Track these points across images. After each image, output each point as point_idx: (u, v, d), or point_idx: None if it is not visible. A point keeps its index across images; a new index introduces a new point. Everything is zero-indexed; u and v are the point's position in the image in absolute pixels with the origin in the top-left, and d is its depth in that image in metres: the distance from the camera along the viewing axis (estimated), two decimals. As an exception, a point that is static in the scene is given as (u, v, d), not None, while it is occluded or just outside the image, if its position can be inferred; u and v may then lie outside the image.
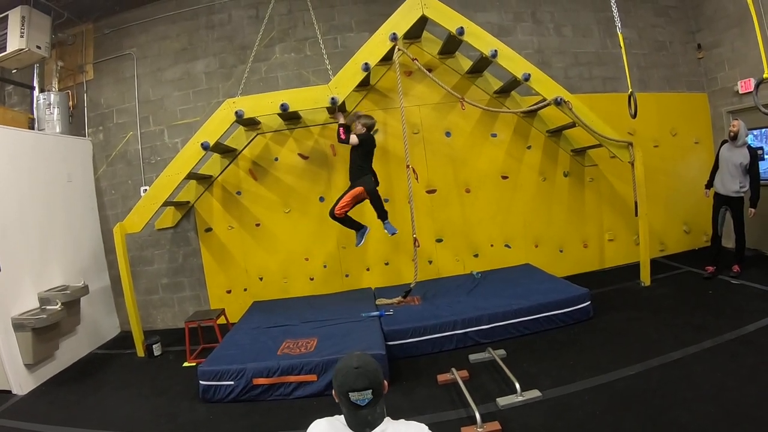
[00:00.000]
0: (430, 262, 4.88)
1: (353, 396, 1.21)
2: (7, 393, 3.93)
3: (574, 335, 3.53)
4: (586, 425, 2.38)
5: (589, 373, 2.89)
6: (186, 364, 4.09)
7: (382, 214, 4.18)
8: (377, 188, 4.15)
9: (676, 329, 3.36)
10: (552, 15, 5.51)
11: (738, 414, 2.28)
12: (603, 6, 5.55)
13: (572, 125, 4.62)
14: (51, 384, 4.15)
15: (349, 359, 1.28)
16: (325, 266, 4.81)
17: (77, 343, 4.70)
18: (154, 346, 4.45)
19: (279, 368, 3.14)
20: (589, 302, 3.83)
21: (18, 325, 3.99)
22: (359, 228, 4.24)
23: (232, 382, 3.18)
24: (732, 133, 4.21)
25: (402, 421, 1.30)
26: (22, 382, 3.97)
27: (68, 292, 4.41)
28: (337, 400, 1.28)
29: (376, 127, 4.45)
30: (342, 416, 1.29)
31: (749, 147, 4.22)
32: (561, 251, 5.16)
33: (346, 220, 4.20)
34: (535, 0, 5.45)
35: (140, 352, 4.47)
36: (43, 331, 4.06)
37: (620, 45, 4.18)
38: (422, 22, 4.50)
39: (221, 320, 4.38)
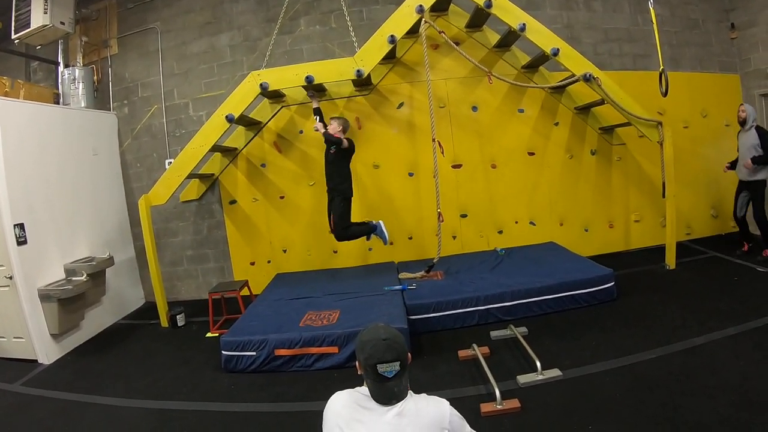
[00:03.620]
0: (454, 237, 4.82)
1: (381, 368, 1.19)
2: (33, 362, 4.03)
3: (597, 316, 3.47)
4: (606, 407, 2.33)
5: (610, 354, 2.84)
6: (209, 334, 4.14)
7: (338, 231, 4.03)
8: (351, 197, 4.03)
9: (700, 315, 3.27)
10: (581, -12, 5.37)
11: (760, 403, 2.20)
12: (638, -21, 5.44)
13: (601, 102, 4.51)
14: (76, 353, 4.25)
15: (375, 331, 1.26)
16: (348, 239, 4.78)
17: (102, 314, 4.77)
18: (177, 316, 4.50)
19: (301, 339, 3.16)
20: (612, 283, 3.75)
21: (44, 296, 4.07)
22: (372, 230, 4.07)
23: (254, 353, 3.21)
24: (740, 119, 4.23)
25: (423, 395, 1.28)
26: (48, 352, 4.06)
27: (94, 263, 4.48)
28: (360, 372, 1.25)
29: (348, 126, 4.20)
30: (362, 388, 1.27)
31: (758, 128, 4.19)
32: (586, 230, 5.06)
33: (353, 234, 4.05)
34: (564, -26, 5.31)
35: (164, 323, 4.52)
36: (68, 302, 4.14)
37: (652, 21, 4.05)
38: None
39: (244, 292, 4.42)
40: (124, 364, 3.83)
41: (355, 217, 4.28)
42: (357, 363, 1.26)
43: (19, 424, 3.03)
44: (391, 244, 4.43)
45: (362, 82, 4.57)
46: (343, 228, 3.97)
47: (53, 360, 4.05)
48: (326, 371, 3.08)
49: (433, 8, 4.32)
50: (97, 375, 3.65)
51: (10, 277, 4.00)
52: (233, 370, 3.22)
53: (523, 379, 2.63)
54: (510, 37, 4.60)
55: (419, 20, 4.09)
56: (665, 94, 4.03)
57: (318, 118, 4.05)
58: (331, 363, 3.09)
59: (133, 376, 3.52)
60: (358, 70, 4.11)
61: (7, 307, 4.09)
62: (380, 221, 4.07)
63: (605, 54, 5.28)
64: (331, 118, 4.13)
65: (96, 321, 4.65)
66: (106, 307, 4.82)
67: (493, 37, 4.83)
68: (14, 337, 4.17)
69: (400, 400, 1.21)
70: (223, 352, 3.27)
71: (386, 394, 1.21)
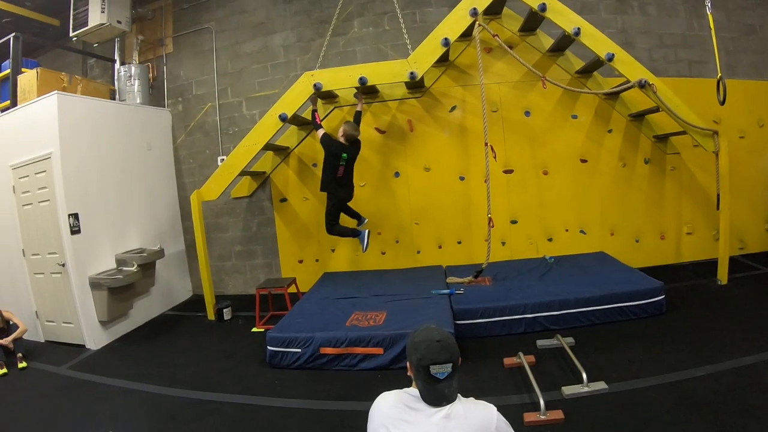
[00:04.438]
0: (503, 243, 4.77)
1: (434, 369, 1.19)
2: (81, 347, 4.19)
3: (645, 329, 3.37)
4: (652, 423, 2.26)
5: (657, 369, 2.76)
6: (255, 329, 4.20)
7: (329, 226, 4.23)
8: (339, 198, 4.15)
9: (750, 333, 3.13)
10: (636, -8, 5.25)
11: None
12: (691, -16, 5.29)
13: (656, 110, 4.38)
14: (123, 341, 4.38)
15: (428, 332, 1.26)
16: (397, 241, 4.79)
17: (150, 304, 4.91)
18: (224, 310, 4.59)
19: (347, 339, 3.17)
20: (663, 296, 3.63)
21: (95, 284, 4.22)
22: (356, 234, 4.21)
23: (299, 350, 3.24)
24: None
25: (471, 399, 1.27)
26: (95, 338, 4.21)
27: (145, 254, 4.61)
28: (410, 373, 1.25)
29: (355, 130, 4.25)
30: (410, 389, 1.26)
31: None
32: (637, 241, 4.93)
33: (339, 232, 4.21)
34: (619, -23, 5.20)
35: (211, 316, 4.61)
36: (118, 291, 4.29)
37: (710, 27, 3.91)
38: None
39: (292, 289, 4.46)
40: (170, 353, 3.91)
41: (412, 217, 4.27)
42: (408, 363, 1.27)
43: (64, 407, 3.13)
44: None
45: (415, 85, 4.57)
46: (329, 224, 4.14)
47: (100, 346, 4.21)
48: (370, 372, 3.09)
49: (487, 11, 4.27)
50: (143, 363, 3.75)
51: (63, 265, 4.17)
52: (278, 365, 3.27)
53: (568, 390, 2.57)
54: (564, 42, 4.53)
55: (473, 23, 4.07)
56: (723, 103, 3.88)
57: (318, 116, 4.12)
58: (376, 364, 3.10)
59: (179, 366, 3.60)
60: (411, 73, 4.11)
61: (58, 293, 4.29)
62: (367, 230, 4.19)
63: (660, 60, 5.15)
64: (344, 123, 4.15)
65: (144, 310, 4.80)
66: (155, 297, 4.96)
67: (547, 41, 4.76)
68: (63, 322, 4.35)
69: (450, 403, 1.21)
70: (268, 347, 3.31)
71: (437, 395, 1.21)
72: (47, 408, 3.14)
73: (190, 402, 2.98)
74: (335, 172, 3.98)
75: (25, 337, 4.09)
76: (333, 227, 4.15)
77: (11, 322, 4.09)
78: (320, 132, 3.97)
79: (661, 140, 4.87)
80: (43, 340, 4.48)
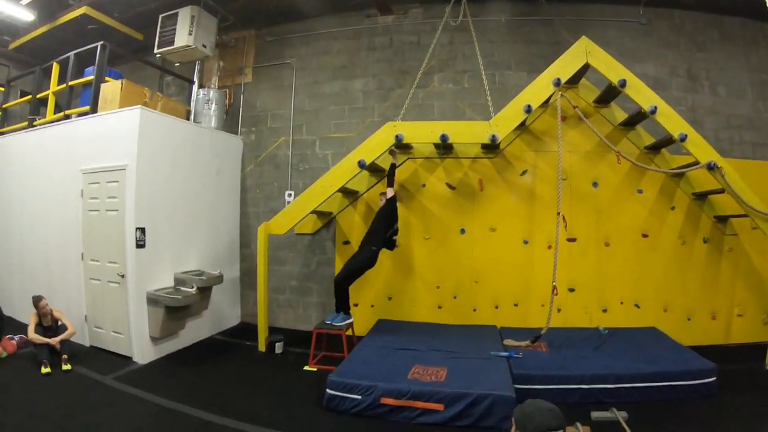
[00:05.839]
0: (559, 310, 4.80)
1: None
2: (128, 359, 4.22)
3: (696, 410, 3.38)
4: None
5: None
6: (306, 367, 4.22)
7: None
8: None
9: None
10: (707, 72, 5.35)
11: None
12: (758, 66, 5.37)
13: (721, 191, 4.45)
14: (170, 359, 4.40)
15: (536, 403, 1.51)
16: (455, 297, 4.86)
17: (200, 326, 4.99)
18: (276, 343, 4.63)
19: (409, 392, 3.20)
20: (714, 378, 3.65)
21: (152, 300, 4.28)
22: (345, 312, 4.32)
23: (359, 397, 3.26)
24: None
25: None
26: (143, 352, 4.25)
27: (204, 278, 4.67)
28: None
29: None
30: None
31: None
32: (689, 319, 4.95)
33: (343, 292, 4.28)
34: (691, 55, 5.31)
35: (261, 347, 4.66)
36: (174, 310, 4.35)
37: None
38: (583, 70, 4.51)
39: (347, 332, 4.52)
40: (219, 380, 3.91)
41: (473, 275, 4.39)
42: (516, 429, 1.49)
43: (110, 420, 3.11)
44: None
45: (489, 145, 4.68)
46: (348, 277, 4.21)
47: (147, 361, 4.24)
48: (427, 427, 3.10)
49: (566, 81, 4.40)
50: (191, 386, 3.75)
51: (122, 276, 4.25)
52: (335, 409, 3.28)
53: None
54: (638, 117, 4.63)
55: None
56: None
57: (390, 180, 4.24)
58: (434, 420, 3.12)
59: (229, 395, 3.60)
60: (492, 135, 4.23)
61: (113, 302, 4.35)
62: (351, 320, 4.37)
63: (726, 140, 5.22)
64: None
65: (193, 331, 4.87)
66: (205, 320, 5.04)
67: (620, 115, 4.86)
68: (113, 331, 4.41)
69: None
70: (327, 390, 3.33)
71: None
72: (92, 420, 3.11)
73: (245, 436, 2.95)
74: (386, 233, 4.16)
75: (71, 339, 4.13)
76: (348, 283, 4.25)
77: (60, 323, 4.17)
78: (392, 191, 4.11)
79: (722, 221, 4.91)
80: (88, 345, 4.54)
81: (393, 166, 4.27)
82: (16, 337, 4.40)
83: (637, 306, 4.91)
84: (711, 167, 4.26)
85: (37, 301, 4.11)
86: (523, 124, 4.75)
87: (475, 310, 4.85)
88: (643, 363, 3.73)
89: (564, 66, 4.32)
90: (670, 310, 4.94)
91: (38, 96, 5.52)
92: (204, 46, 5.32)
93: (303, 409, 3.39)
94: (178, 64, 5.67)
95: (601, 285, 4.84)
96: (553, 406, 1.49)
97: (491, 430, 2.97)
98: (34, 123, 5.37)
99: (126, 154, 4.22)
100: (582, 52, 4.31)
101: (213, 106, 5.47)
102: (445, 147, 4.67)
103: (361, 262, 4.16)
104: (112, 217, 4.33)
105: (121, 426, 3.03)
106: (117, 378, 3.81)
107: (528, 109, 4.25)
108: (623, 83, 4.22)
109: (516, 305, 4.83)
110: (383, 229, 4.16)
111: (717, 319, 5.01)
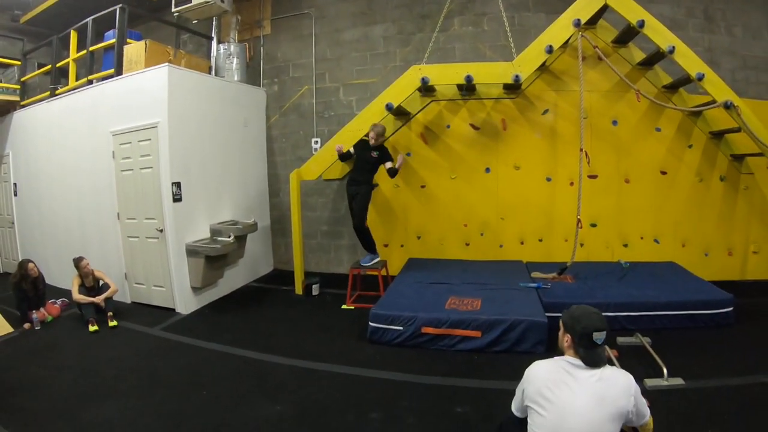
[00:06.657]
0: (582, 245, 4.91)
1: (596, 335, 1.49)
2: (171, 311, 4.35)
3: (715, 337, 3.56)
4: (727, 417, 2.46)
5: (728, 373, 2.93)
6: (344, 306, 4.38)
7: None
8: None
9: None
10: (723, 13, 5.36)
11: None
12: (775, 8, 5.39)
13: (737, 130, 4.54)
14: (212, 308, 4.53)
15: (582, 308, 1.59)
16: (482, 234, 5.00)
17: (237, 275, 5.13)
18: (313, 285, 4.77)
19: (448, 321, 3.37)
20: (732, 308, 3.82)
21: (192, 251, 4.38)
22: (372, 252, 4.60)
23: (401, 328, 3.43)
24: None
25: (613, 367, 1.57)
26: (186, 303, 4.39)
27: (239, 227, 4.78)
28: (566, 344, 1.56)
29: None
30: (565, 357, 1.55)
31: None
32: (706, 255, 5.11)
33: (367, 235, 4.54)
34: (708, -4, 5.33)
35: (298, 290, 4.80)
36: (213, 260, 4.46)
37: None
38: (602, 11, 4.55)
39: (382, 271, 4.64)
40: (264, 323, 4.05)
41: (498, 212, 4.58)
42: (565, 335, 1.57)
43: (166, 366, 3.22)
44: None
45: (511, 86, 4.76)
46: (362, 220, 4.43)
47: (190, 311, 4.37)
48: (466, 353, 3.26)
49: (586, 21, 4.45)
50: (237, 330, 3.87)
51: (161, 230, 4.36)
52: (378, 341, 3.45)
53: (650, 382, 2.77)
54: (655, 57, 4.69)
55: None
56: None
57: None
58: (472, 346, 3.29)
59: (274, 335, 3.73)
60: (516, 76, 4.32)
61: (152, 257, 4.46)
62: (378, 257, 4.65)
63: (742, 81, 5.27)
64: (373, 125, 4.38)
65: (231, 281, 5.01)
66: (241, 269, 5.19)
67: (638, 54, 4.91)
68: (154, 285, 4.54)
69: (604, 365, 1.50)
70: (370, 323, 3.49)
71: (596, 358, 1.51)
72: (148, 367, 3.21)
73: (295, 370, 3.10)
74: (373, 174, 4.60)
75: (113, 297, 4.23)
76: (364, 223, 4.49)
77: (102, 282, 4.26)
78: (390, 163, 4.45)
79: (738, 159, 5.02)
80: (129, 302, 4.67)
81: (394, 171, 4.47)
82: (59, 301, 4.53)
83: (656, 241, 5.06)
84: (727, 106, 4.34)
85: (78, 261, 4.18)
86: (543, 64, 4.84)
87: (501, 246, 5.00)
88: (664, 293, 3.90)
89: (583, 7, 4.36)
90: (688, 246, 5.09)
91: (58, 65, 5.51)
92: (222, 1, 5.32)
93: (347, 342, 3.54)
94: (195, 21, 5.67)
95: (622, 220, 4.98)
96: (597, 311, 1.57)
97: (525, 354, 3.10)
98: (56, 92, 5.37)
99: (157, 111, 4.28)
100: (601, -8, 4.36)
101: (234, 60, 5.50)
102: (467, 89, 4.75)
103: (365, 202, 4.45)
104: (147, 175, 4.41)
105: (180, 370, 3.15)
106: (164, 329, 3.94)
107: (549, 50, 4.32)
108: (642, 23, 4.27)
109: (540, 240, 4.97)
110: (372, 172, 4.49)
111: (733, 255, 5.16)
